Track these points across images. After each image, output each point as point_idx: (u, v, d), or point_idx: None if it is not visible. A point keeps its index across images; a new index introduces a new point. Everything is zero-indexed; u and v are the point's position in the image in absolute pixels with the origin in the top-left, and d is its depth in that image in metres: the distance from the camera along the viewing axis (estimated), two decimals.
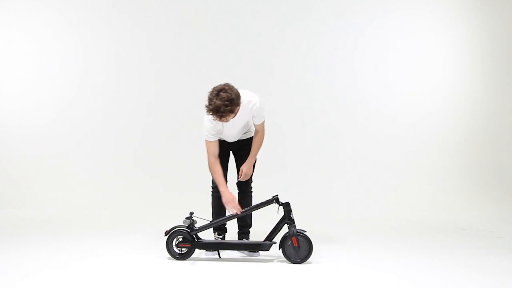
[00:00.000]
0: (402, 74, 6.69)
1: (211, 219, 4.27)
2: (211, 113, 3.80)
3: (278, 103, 6.64)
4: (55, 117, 6.52)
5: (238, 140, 4.25)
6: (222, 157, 4.26)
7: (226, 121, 3.90)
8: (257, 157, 4.31)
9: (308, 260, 3.90)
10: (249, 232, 4.35)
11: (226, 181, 4.29)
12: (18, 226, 5.38)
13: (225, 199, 4.05)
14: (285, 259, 3.94)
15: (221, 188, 4.06)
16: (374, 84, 6.66)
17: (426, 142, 6.64)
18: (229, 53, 6.65)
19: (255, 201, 4.30)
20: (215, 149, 4.09)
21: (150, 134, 6.55)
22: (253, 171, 4.28)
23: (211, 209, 4.35)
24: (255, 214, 4.34)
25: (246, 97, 4.01)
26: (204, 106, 3.85)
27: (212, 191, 4.31)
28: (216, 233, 4.32)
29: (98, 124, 6.55)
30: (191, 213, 4.10)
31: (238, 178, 4.24)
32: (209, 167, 4.12)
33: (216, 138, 4.11)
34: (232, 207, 4.02)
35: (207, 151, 4.10)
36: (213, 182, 4.29)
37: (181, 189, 6.27)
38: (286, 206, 3.95)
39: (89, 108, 6.56)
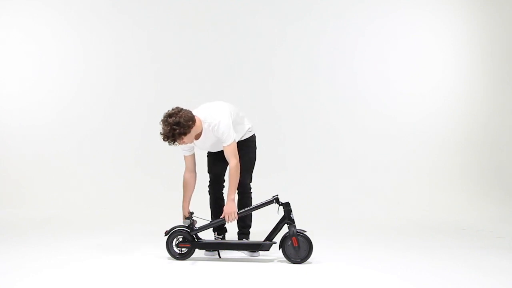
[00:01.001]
0: (402, 74, 6.69)
1: (210, 219, 4.27)
2: (164, 139, 3.85)
3: (278, 103, 6.65)
4: (55, 117, 6.52)
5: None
6: (220, 160, 4.24)
7: (186, 143, 3.93)
8: (258, 156, 4.31)
9: (308, 260, 3.90)
10: (249, 233, 4.34)
11: (224, 180, 4.30)
12: (18, 226, 5.38)
13: (183, 211, 4.11)
14: (285, 259, 3.94)
15: (184, 203, 4.12)
16: (374, 84, 6.67)
17: (426, 142, 6.64)
18: (229, 53, 6.65)
19: (255, 201, 4.30)
20: (190, 164, 4.14)
21: (150, 134, 6.50)
22: (252, 175, 4.28)
23: (209, 209, 4.35)
24: (255, 214, 4.34)
25: (207, 118, 3.97)
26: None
27: (209, 191, 4.32)
28: (216, 233, 4.32)
29: (98, 124, 6.55)
30: (191, 213, 4.10)
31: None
32: (183, 179, 4.16)
33: (190, 153, 4.13)
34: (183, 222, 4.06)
35: (185, 165, 4.16)
36: (210, 182, 4.30)
37: (181, 189, 6.25)
38: (286, 206, 3.95)
39: (89, 108, 6.56)
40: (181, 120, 3.81)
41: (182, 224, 4.06)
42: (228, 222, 4.08)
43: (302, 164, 6.52)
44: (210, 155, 4.31)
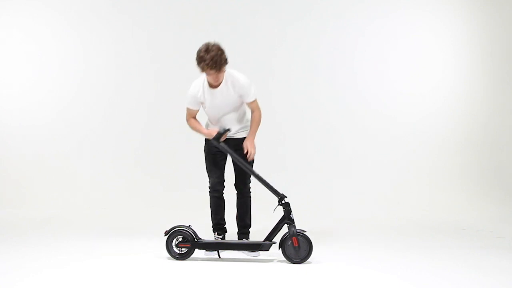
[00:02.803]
0: (402, 74, 6.68)
1: (211, 218, 4.31)
2: (208, 66, 3.90)
3: (278, 103, 6.64)
4: (55, 117, 6.52)
5: (234, 138, 4.24)
6: (220, 160, 4.25)
7: (217, 81, 3.98)
8: (258, 156, 4.31)
9: (308, 260, 3.90)
10: (249, 232, 4.35)
11: (224, 180, 4.29)
12: (18, 226, 5.38)
13: (208, 134, 4.12)
14: (285, 259, 3.94)
15: (203, 131, 4.16)
16: (374, 84, 6.66)
17: (426, 142, 6.64)
18: (229, 53, 6.62)
19: (254, 202, 4.31)
20: (194, 113, 4.20)
21: (150, 134, 6.55)
22: (252, 178, 4.29)
23: (209, 209, 4.35)
24: (254, 214, 4.35)
25: (228, 72, 4.08)
26: (198, 67, 3.98)
27: (209, 191, 4.31)
28: (216, 233, 4.32)
29: (98, 124, 6.55)
30: (227, 130, 4.07)
31: (235, 180, 4.27)
32: (188, 124, 4.23)
33: (197, 108, 4.18)
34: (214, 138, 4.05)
35: (187, 115, 4.21)
36: (210, 182, 4.27)
37: (181, 189, 6.27)
38: (286, 206, 3.95)
39: (89, 108, 6.56)
40: (220, 46, 3.99)
41: (218, 133, 4.02)
42: (249, 157, 4.08)
43: (302, 164, 6.52)
44: (209, 158, 4.26)
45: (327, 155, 6.55)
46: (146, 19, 6.63)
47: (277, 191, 3.98)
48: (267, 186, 4.00)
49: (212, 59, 3.88)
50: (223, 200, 4.30)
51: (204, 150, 4.30)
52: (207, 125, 4.30)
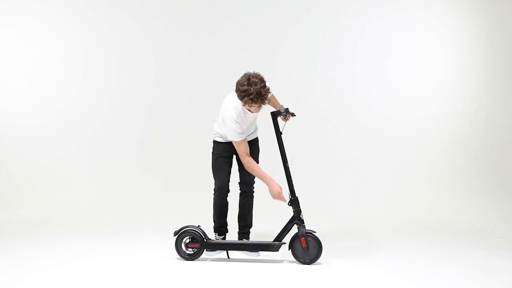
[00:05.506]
0: (403, 74, 6.68)
1: (213, 219, 4.31)
2: (253, 102, 3.75)
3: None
4: (55, 117, 6.51)
5: (250, 141, 4.24)
6: (228, 164, 4.23)
7: (260, 108, 3.86)
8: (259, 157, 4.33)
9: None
10: (249, 232, 4.35)
11: (229, 180, 4.26)
12: (18, 226, 5.38)
13: (274, 192, 3.95)
14: (294, 259, 3.94)
15: (268, 181, 3.97)
16: (374, 84, 6.66)
17: (426, 142, 6.63)
18: (229, 53, 6.64)
19: (256, 202, 4.31)
20: (247, 147, 4.02)
21: (150, 134, 6.55)
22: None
23: (211, 210, 4.34)
24: (255, 214, 4.35)
25: None
26: (243, 101, 3.79)
27: (215, 195, 4.29)
28: (217, 233, 4.32)
29: (98, 124, 6.55)
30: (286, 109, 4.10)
31: (240, 179, 4.26)
32: (246, 166, 4.02)
33: (245, 136, 4.05)
34: (279, 198, 3.95)
35: (240, 152, 3.99)
36: (217, 186, 4.24)
37: (181, 189, 6.27)
38: (296, 207, 3.96)
39: (89, 108, 6.56)
40: (262, 76, 3.83)
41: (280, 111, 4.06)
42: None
43: (302, 164, 6.51)
44: (219, 162, 4.22)
45: (327, 155, 6.55)
46: (146, 19, 6.62)
47: (294, 191, 3.97)
48: (289, 182, 4.02)
49: (257, 93, 3.73)
50: (227, 203, 4.29)
51: (213, 153, 4.25)
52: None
